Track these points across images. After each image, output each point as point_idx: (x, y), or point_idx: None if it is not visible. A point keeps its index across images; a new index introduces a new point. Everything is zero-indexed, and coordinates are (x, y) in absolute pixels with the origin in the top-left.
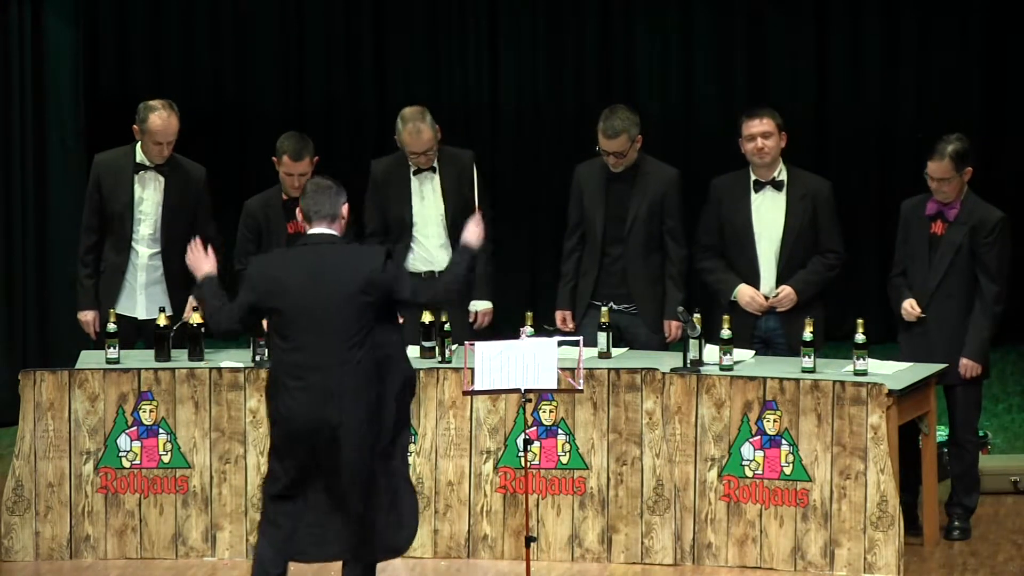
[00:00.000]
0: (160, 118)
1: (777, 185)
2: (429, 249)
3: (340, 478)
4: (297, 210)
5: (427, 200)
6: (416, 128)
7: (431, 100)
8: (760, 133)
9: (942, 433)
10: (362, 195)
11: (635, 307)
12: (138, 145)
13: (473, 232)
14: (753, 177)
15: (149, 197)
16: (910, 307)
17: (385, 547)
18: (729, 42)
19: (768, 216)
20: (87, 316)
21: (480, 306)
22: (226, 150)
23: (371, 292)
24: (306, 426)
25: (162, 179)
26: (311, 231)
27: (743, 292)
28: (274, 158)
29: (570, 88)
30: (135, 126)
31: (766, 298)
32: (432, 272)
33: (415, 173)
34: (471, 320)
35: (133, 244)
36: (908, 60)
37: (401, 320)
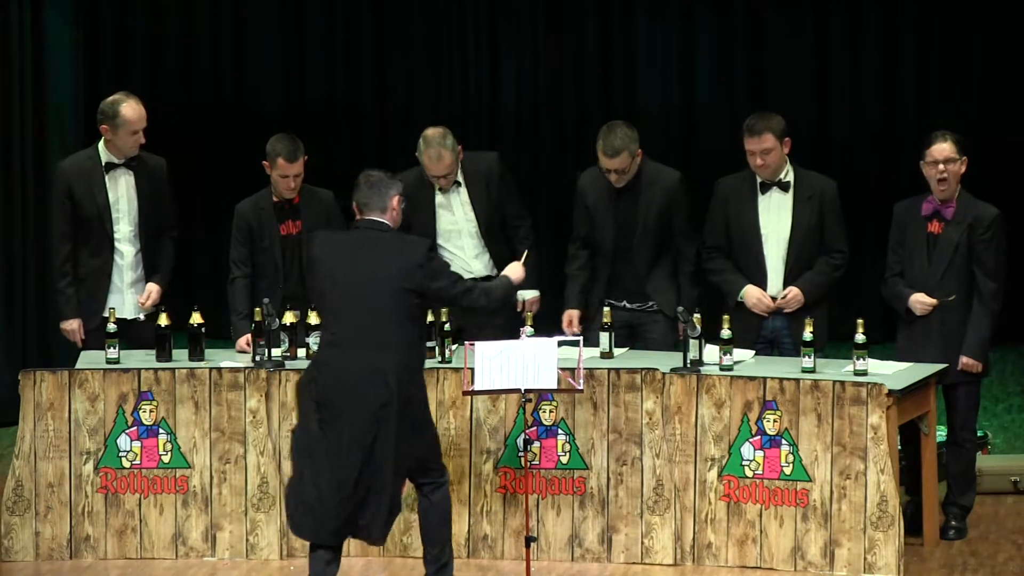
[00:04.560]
0: (131, 107)
1: (783, 186)
2: (466, 260)
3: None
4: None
5: (457, 214)
6: (437, 154)
7: (431, 101)
8: (760, 151)
9: (941, 433)
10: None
11: (651, 304)
12: (101, 144)
13: (516, 270)
14: (759, 179)
15: (123, 194)
16: (923, 297)
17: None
18: (729, 42)
19: (775, 217)
20: (71, 325)
21: (528, 294)
22: (225, 150)
23: (409, 282)
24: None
25: (131, 174)
26: (362, 218)
27: (750, 293)
28: (264, 162)
29: (570, 89)
30: (103, 126)
31: (773, 299)
32: (473, 279)
33: (440, 189)
34: (519, 308)
35: (116, 244)
36: (908, 60)
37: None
